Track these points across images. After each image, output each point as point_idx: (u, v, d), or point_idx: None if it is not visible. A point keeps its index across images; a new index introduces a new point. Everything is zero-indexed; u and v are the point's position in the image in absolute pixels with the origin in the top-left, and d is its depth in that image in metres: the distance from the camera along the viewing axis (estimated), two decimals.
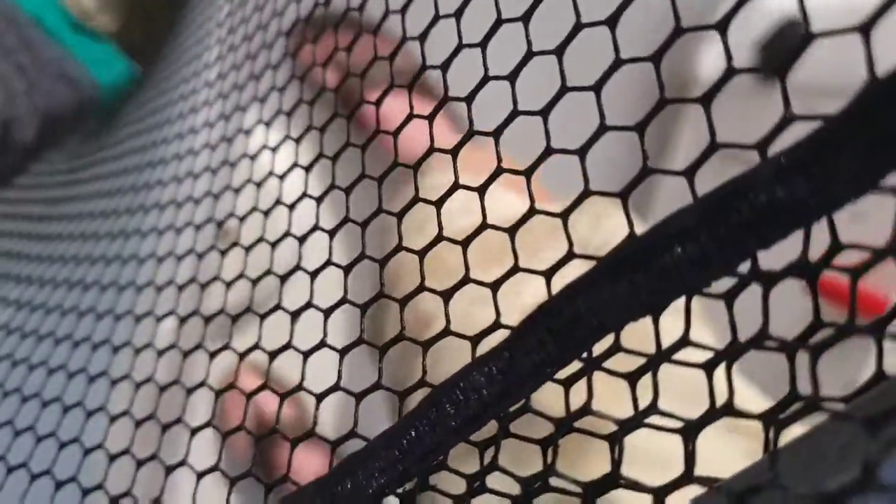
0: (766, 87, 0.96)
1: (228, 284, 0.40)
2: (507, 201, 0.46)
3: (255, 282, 0.37)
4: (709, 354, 0.21)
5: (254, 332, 0.36)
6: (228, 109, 0.52)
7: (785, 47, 0.84)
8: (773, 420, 0.19)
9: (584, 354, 0.23)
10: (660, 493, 0.20)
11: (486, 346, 0.53)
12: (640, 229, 0.23)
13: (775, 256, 0.21)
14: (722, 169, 0.23)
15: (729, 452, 0.32)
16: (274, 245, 0.37)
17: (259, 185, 0.42)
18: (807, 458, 0.19)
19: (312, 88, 0.41)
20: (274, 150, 0.42)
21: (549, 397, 0.23)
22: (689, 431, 0.21)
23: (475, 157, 0.29)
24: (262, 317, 0.35)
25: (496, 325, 0.25)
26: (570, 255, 0.24)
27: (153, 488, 0.34)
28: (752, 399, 0.39)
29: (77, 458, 0.39)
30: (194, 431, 0.35)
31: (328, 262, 0.31)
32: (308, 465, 0.89)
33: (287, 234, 0.36)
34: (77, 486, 0.37)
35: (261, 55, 0.50)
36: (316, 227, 0.34)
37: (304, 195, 0.36)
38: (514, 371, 0.23)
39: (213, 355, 0.37)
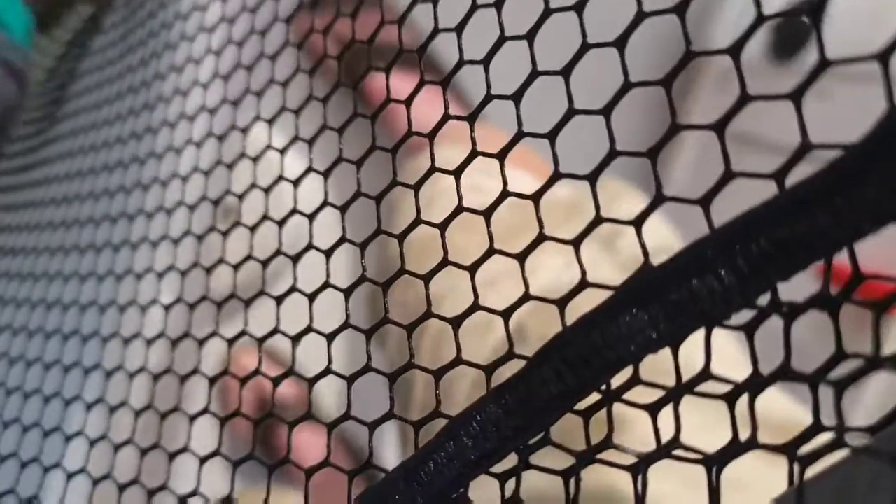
0: (778, 69, 0.94)
1: (226, 265, 0.39)
2: (519, 182, 0.45)
3: (265, 263, 0.36)
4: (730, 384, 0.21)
5: (261, 315, 0.35)
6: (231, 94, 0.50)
7: (799, 28, 0.83)
8: (797, 455, 0.19)
9: (603, 386, 0.22)
10: None
11: (491, 338, 0.53)
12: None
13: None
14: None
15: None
16: (280, 224, 0.36)
17: (258, 165, 0.41)
18: (835, 492, 0.19)
19: (313, 63, 0.40)
20: (282, 151, 0.41)
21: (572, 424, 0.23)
22: (712, 464, 0.20)
23: (484, 135, 0.28)
24: (279, 299, 0.34)
25: (510, 355, 0.24)
26: (583, 284, 0.23)
27: (158, 473, 0.35)
28: (777, 398, 0.39)
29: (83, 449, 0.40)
30: (193, 418, 0.35)
31: (327, 284, 0.31)
32: (310, 445, 0.90)
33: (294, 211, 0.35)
34: (87, 475, 0.38)
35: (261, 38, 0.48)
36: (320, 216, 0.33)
37: (316, 207, 0.35)
38: (531, 402, 0.22)
39: (230, 342, 0.37)
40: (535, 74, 0.24)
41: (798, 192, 0.19)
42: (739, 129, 0.21)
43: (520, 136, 0.25)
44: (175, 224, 0.46)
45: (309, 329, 0.31)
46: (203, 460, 0.33)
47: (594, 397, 0.22)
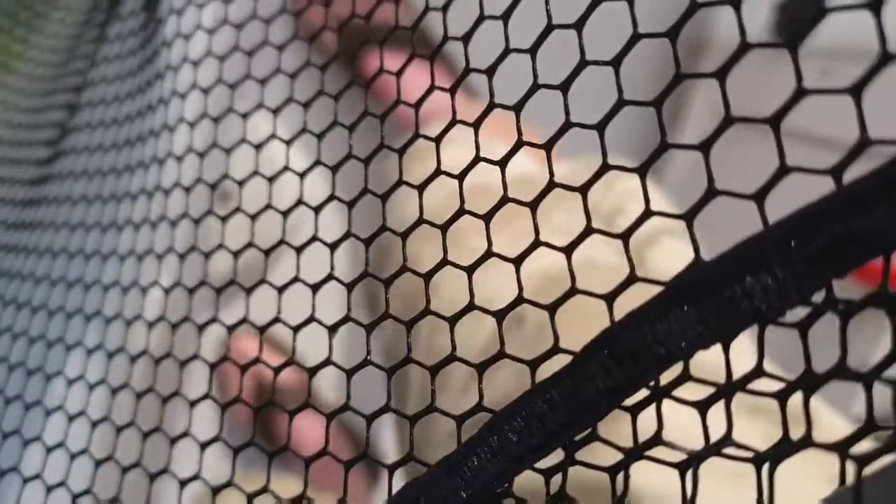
0: (782, 50, 0.92)
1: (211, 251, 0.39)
2: (518, 161, 0.45)
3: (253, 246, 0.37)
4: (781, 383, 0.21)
5: (254, 299, 0.35)
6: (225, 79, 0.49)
7: (803, 8, 0.82)
8: (850, 454, 0.19)
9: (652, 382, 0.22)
10: None
11: (487, 325, 0.53)
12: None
13: None
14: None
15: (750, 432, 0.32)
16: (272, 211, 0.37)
17: (258, 149, 0.41)
18: (887, 494, 0.19)
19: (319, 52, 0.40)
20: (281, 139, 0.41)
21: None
22: (762, 463, 0.20)
23: (473, 110, 0.28)
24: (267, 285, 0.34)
25: (519, 299, 0.25)
26: (632, 279, 0.23)
27: (159, 460, 0.35)
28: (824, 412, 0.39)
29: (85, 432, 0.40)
30: (193, 403, 0.35)
31: (338, 242, 0.31)
32: (309, 431, 0.89)
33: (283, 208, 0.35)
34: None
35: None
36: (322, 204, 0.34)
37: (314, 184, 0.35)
38: (577, 398, 0.22)
39: (207, 325, 0.37)
40: (584, 64, 0.24)
41: (855, 188, 0.19)
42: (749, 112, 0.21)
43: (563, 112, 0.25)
44: (171, 206, 0.46)
45: (306, 318, 0.31)
46: (174, 440, 0.33)
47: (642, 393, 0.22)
